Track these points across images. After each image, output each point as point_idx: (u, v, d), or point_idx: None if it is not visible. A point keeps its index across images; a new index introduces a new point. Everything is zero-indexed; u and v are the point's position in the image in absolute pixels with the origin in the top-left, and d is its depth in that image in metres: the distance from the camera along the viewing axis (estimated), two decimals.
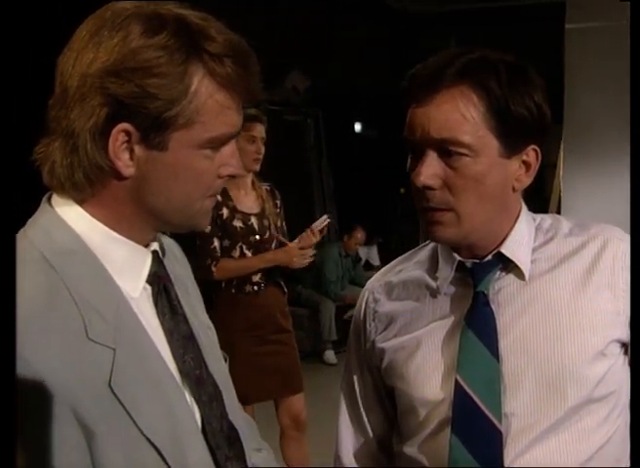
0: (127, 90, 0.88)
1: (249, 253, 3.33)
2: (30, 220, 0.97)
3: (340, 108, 8.14)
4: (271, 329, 3.39)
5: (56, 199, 0.96)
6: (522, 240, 1.25)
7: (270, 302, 3.42)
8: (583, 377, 1.18)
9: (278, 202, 3.48)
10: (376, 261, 8.19)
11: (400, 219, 8.68)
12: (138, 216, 0.96)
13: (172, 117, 0.90)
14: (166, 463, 0.91)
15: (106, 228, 0.95)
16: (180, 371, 0.99)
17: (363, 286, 5.46)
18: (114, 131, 0.90)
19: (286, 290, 3.59)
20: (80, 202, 0.95)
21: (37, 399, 0.82)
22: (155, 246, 1.03)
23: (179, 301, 1.05)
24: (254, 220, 3.33)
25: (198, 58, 0.91)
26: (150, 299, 1.00)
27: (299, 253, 3.42)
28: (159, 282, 1.01)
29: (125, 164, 0.92)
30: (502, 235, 1.24)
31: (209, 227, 3.15)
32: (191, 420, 0.98)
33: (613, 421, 1.21)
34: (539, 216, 1.32)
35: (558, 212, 5.14)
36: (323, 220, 3.58)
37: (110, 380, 0.88)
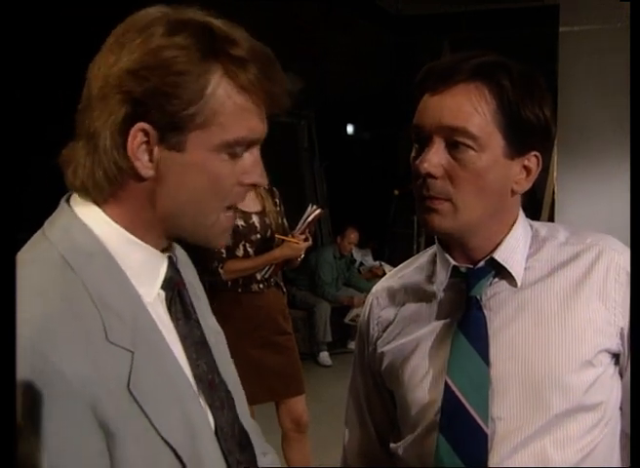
0: (144, 88, 0.89)
1: (252, 252, 3.35)
2: (48, 221, 0.97)
3: (334, 110, 8.16)
4: (272, 330, 3.41)
5: (75, 200, 0.97)
6: (516, 246, 1.26)
7: (271, 303, 3.45)
8: (569, 386, 1.20)
9: (277, 200, 3.50)
10: (370, 264, 8.20)
11: (394, 221, 8.70)
12: (154, 220, 0.96)
13: (189, 116, 0.90)
14: (183, 465, 0.92)
15: (125, 231, 0.95)
16: (195, 376, 1.00)
17: (357, 287, 5.59)
18: (132, 130, 0.90)
19: (285, 290, 3.63)
20: (100, 203, 0.95)
21: (60, 399, 0.83)
22: (171, 251, 1.03)
23: (192, 306, 1.05)
24: (255, 219, 3.36)
25: (217, 59, 0.91)
26: (164, 304, 1.00)
27: (304, 246, 3.45)
28: (174, 287, 1.01)
29: (144, 165, 0.92)
30: (498, 240, 1.26)
31: None
32: (206, 424, 0.99)
33: (600, 430, 1.22)
34: (536, 224, 1.34)
35: (551, 214, 5.17)
36: (312, 210, 3.59)
37: (129, 382, 0.88)
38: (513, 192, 1.24)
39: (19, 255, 0.92)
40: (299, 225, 3.52)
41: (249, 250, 3.35)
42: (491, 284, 1.26)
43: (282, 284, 3.59)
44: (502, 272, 1.26)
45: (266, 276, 3.41)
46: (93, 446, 0.85)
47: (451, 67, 1.19)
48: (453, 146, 1.18)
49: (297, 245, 3.41)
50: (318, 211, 3.60)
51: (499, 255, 1.25)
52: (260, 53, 0.93)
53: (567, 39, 4.81)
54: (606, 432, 1.23)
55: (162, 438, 0.90)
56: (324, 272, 6.88)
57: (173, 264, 1.02)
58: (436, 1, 8.17)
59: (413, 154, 1.24)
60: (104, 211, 0.95)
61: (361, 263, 8.01)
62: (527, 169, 1.24)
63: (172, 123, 0.90)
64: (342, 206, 7.80)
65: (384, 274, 6.01)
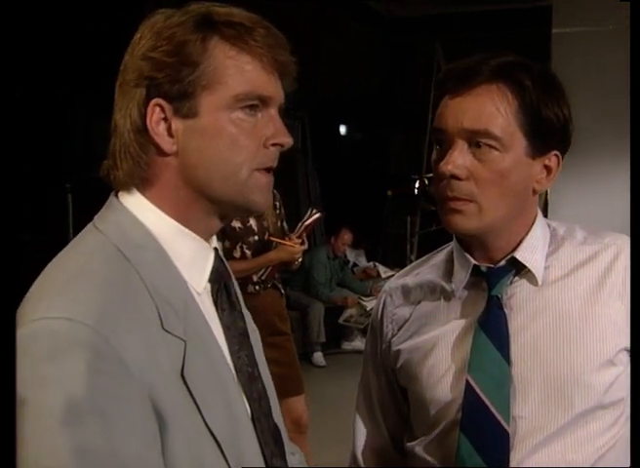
0: (152, 65, 0.95)
1: (249, 253, 3.36)
2: (98, 216, 1.00)
3: (327, 111, 8.16)
4: (268, 331, 3.41)
5: (123, 196, 1.00)
6: (536, 246, 1.27)
7: (268, 304, 3.45)
8: (591, 384, 1.20)
9: (277, 203, 3.50)
10: (364, 264, 8.20)
11: (387, 222, 8.70)
12: (193, 200, 0.99)
13: (195, 80, 0.95)
14: (224, 456, 0.94)
15: (173, 221, 0.99)
16: (235, 367, 1.03)
17: (351, 288, 5.57)
18: (149, 107, 0.95)
19: (283, 291, 3.63)
20: (141, 192, 0.99)
21: (122, 383, 0.84)
22: (215, 243, 1.06)
23: (237, 298, 1.09)
24: (252, 222, 3.37)
25: (213, 27, 0.96)
26: (210, 295, 1.03)
27: (300, 249, 3.45)
28: (220, 279, 1.04)
29: (166, 141, 0.96)
30: (518, 239, 1.26)
31: None
32: (246, 415, 1.01)
33: (619, 427, 1.23)
34: (553, 223, 1.34)
35: (545, 215, 5.16)
36: (311, 214, 3.59)
37: (183, 371, 0.91)
38: (534, 192, 1.25)
39: (71, 248, 0.97)
40: (297, 228, 3.53)
41: (246, 251, 3.36)
42: (511, 283, 1.26)
43: (280, 285, 3.60)
44: (523, 271, 1.26)
45: (263, 278, 3.41)
46: (150, 429, 0.87)
47: (471, 68, 1.19)
48: (476, 147, 1.19)
49: (292, 248, 3.42)
50: (317, 215, 3.60)
51: (519, 254, 1.25)
52: (254, 19, 0.98)
53: (560, 40, 4.83)
54: (625, 429, 1.24)
55: (207, 427, 0.92)
56: (318, 273, 6.88)
57: (219, 256, 1.05)
58: (428, 3, 8.18)
59: (434, 156, 1.25)
60: (148, 200, 0.99)
61: (354, 264, 8.02)
62: (547, 168, 1.24)
63: (181, 91, 0.95)
64: (336, 206, 7.80)
65: (378, 275, 6.04)
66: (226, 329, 1.03)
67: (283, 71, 1.00)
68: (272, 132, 1.00)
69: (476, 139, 1.18)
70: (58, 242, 1.01)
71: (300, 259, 3.54)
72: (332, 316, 6.95)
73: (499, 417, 1.21)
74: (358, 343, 6.81)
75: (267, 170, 1.01)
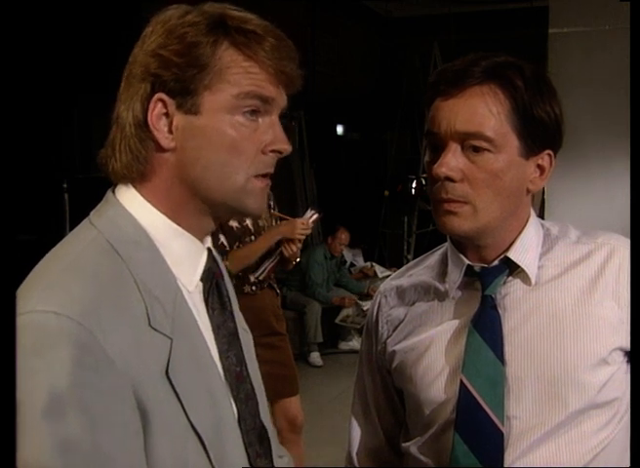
0: (159, 62, 0.95)
1: None
2: (94, 211, 1.01)
3: (324, 111, 8.16)
4: (264, 332, 3.40)
5: (119, 192, 1.01)
6: (530, 245, 1.27)
7: (265, 305, 3.45)
8: (585, 384, 1.21)
9: (271, 202, 3.49)
10: (361, 264, 8.21)
11: (384, 221, 8.71)
12: (187, 199, 0.99)
13: (199, 78, 0.95)
14: (207, 454, 0.94)
15: (166, 219, 0.99)
16: (223, 367, 1.03)
17: (348, 288, 5.57)
18: (152, 101, 0.96)
19: (279, 291, 3.63)
20: (137, 188, 0.99)
21: (105, 376, 0.85)
22: (209, 243, 1.07)
23: (229, 298, 1.09)
24: (248, 221, 3.37)
25: (224, 33, 0.96)
26: (201, 294, 1.04)
27: (300, 225, 3.41)
28: (212, 278, 1.05)
29: (165, 136, 0.97)
30: (511, 239, 1.26)
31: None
32: (231, 415, 1.01)
33: (614, 426, 1.23)
34: (547, 223, 1.34)
35: (541, 215, 5.19)
36: (310, 215, 3.58)
37: (167, 368, 0.91)
38: (528, 191, 1.25)
39: (66, 242, 0.97)
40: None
41: None
42: (505, 283, 1.27)
43: (276, 285, 3.59)
44: (516, 271, 1.27)
45: (260, 278, 3.40)
46: (133, 424, 0.87)
47: (462, 70, 1.19)
48: (469, 149, 1.19)
49: (294, 224, 3.36)
50: (316, 215, 3.60)
51: (513, 254, 1.25)
52: (268, 29, 0.98)
53: (556, 40, 4.84)
54: (620, 428, 1.24)
55: (191, 424, 0.93)
56: (315, 273, 6.88)
57: (212, 255, 1.05)
58: (426, 3, 8.20)
59: (427, 158, 1.25)
60: (144, 196, 0.99)
61: (352, 264, 8.02)
62: (541, 168, 1.25)
63: (184, 87, 0.95)
64: (333, 206, 7.81)
65: (375, 274, 6.06)
66: (216, 328, 1.04)
67: (288, 83, 1.01)
68: (272, 138, 1.00)
69: (469, 141, 1.18)
70: (54, 242, 1.01)
71: (297, 259, 3.53)
72: (329, 316, 6.95)
73: (493, 417, 1.21)
74: (355, 343, 6.81)
75: (264, 175, 1.02)
